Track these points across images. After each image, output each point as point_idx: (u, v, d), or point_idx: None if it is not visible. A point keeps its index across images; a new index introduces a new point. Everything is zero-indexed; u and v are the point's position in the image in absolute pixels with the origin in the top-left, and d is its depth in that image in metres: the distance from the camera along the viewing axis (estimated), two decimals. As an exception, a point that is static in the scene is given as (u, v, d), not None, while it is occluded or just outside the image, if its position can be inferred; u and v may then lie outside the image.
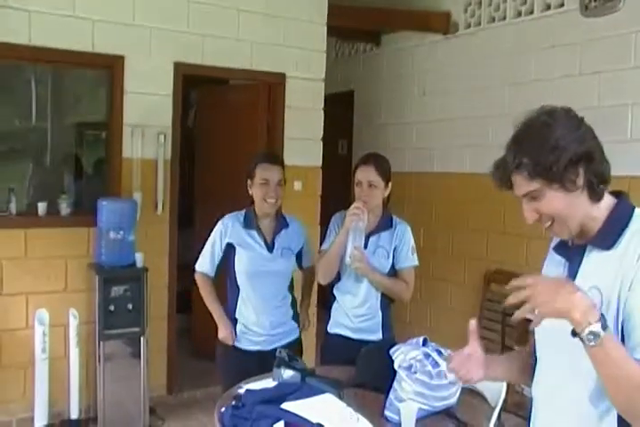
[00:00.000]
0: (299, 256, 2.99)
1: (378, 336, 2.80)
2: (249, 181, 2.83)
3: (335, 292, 2.86)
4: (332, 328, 2.86)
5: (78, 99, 4.37)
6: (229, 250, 2.86)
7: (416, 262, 2.83)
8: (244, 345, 2.85)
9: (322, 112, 4.80)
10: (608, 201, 1.41)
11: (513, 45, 4.63)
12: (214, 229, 2.91)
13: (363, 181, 2.71)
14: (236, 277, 2.84)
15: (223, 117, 5.02)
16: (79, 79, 4.35)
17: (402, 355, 2.19)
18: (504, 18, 4.71)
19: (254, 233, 2.84)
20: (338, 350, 2.54)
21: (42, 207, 3.88)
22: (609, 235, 1.37)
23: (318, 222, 4.76)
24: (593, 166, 1.34)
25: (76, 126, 4.44)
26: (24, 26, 3.73)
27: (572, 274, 1.43)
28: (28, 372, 3.72)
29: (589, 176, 1.35)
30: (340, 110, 5.90)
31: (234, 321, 2.88)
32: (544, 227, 1.43)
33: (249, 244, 2.83)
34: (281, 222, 2.91)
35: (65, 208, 3.94)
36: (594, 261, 1.39)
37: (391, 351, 2.23)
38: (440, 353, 2.18)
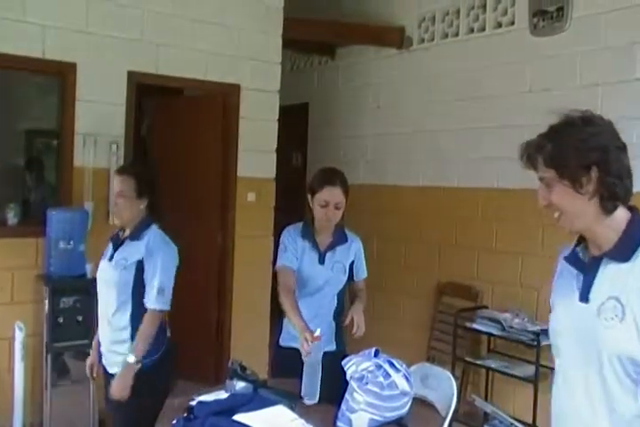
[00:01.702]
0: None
1: (332, 347, 2.82)
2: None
3: None
4: (285, 341, 2.86)
5: (28, 105, 4.29)
6: None
7: (366, 274, 2.98)
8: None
9: (276, 124, 4.83)
10: (623, 214, 1.44)
11: (465, 61, 4.75)
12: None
13: (330, 202, 2.72)
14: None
15: (177, 127, 4.99)
16: (29, 85, 4.27)
17: (354, 366, 2.21)
18: (457, 34, 4.83)
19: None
20: (291, 363, 2.53)
21: None
22: (626, 248, 1.41)
23: (272, 234, 4.78)
24: (607, 179, 1.38)
25: (25, 133, 4.37)
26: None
27: (588, 285, 1.46)
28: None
29: (601, 187, 1.39)
30: (294, 122, 5.93)
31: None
32: (554, 217, 1.47)
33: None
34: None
35: (12, 218, 3.86)
36: (610, 273, 1.43)
37: (343, 362, 2.25)
38: (392, 364, 2.21)
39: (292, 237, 2.85)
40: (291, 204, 5.70)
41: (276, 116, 4.83)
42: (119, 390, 2.52)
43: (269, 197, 4.83)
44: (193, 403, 2.19)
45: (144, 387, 2.57)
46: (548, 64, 4.19)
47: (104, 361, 2.75)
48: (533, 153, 1.45)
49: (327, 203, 2.72)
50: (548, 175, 1.43)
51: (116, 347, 2.65)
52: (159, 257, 2.66)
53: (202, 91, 4.90)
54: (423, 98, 5.07)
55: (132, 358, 2.55)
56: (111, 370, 2.67)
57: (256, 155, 4.74)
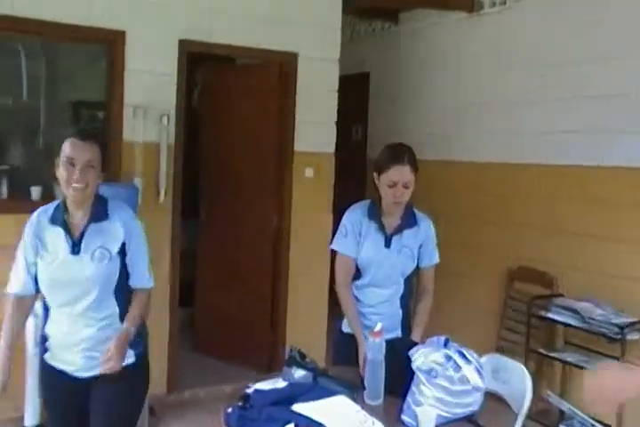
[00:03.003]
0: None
1: (397, 334, 2.81)
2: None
3: (354, 290, 2.83)
4: (347, 327, 2.84)
5: (75, 75, 4.31)
6: None
7: (437, 260, 2.89)
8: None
9: (336, 94, 4.77)
10: None
11: (543, 23, 4.55)
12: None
13: (398, 182, 2.66)
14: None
15: (230, 99, 4.98)
16: (75, 54, 4.30)
17: (422, 357, 2.16)
18: (534, -6, 4.64)
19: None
20: (353, 350, 2.54)
21: (35, 191, 3.85)
22: None
23: (330, 212, 4.76)
24: None
25: (71, 105, 4.39)
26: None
27: None
28: (20, 368, 3.67)
29: None
30: (354, 93, 5.87)
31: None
32: None
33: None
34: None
35: (60, 193, 3.90)
36: None
37: (410, 352, 2.20)
38: (463, 355, 2.15)
39: (356, 217, 2.81)
40: (350, 180, 5.68)
41: (336, 87, 4.77)
42: (117, 359, 2.24)
43: (329, 172, 4.80)
44: (249, 391, 2.18)
45: (138, 382, 2.49)
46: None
47: (70, 367, 2.39)
48: None
49: (395, 183, 2.66)
50: None
51: (103, 346, 2.31)
52: (140, 232, 2.44)
53: (257, 59, 4.88)
54: (494, 66, 4.91)
55: (127, 325, 2.34)
56: (86, 374, 2.38)
57: (315, 127, 4.70)
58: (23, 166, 4.16)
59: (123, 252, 2.37)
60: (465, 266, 5.02)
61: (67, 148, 2.28)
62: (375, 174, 2.75)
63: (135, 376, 2.44)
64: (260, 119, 4.79)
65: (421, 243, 2.82)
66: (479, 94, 5.06)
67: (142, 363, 2.47)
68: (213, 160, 5.14)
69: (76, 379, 2.38)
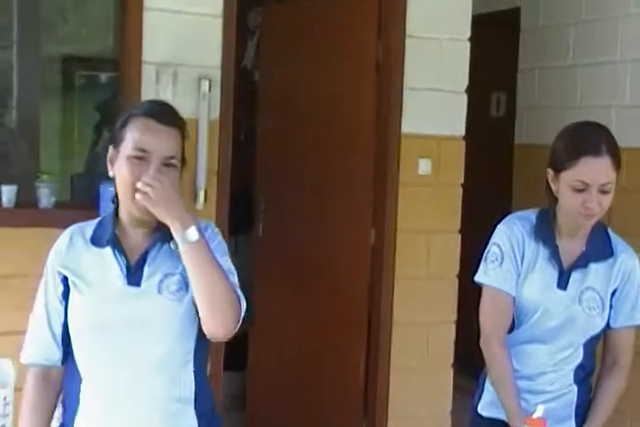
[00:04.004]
0: None
1: (569, 425, 2.79)
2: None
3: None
4: (487, 410, 2.88)
5: (64, 17, 4.35)
6: None
7: None
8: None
9: (467, 45, 4.76)
10: None
11: None
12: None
13: (592, 185, 2.59)
14: None
15: (303, 54, 5.03)
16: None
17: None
18: None
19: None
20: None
21: (8, 193, 3.89)
22: None
23: (458, 229, 4.79)
24: None
25: (61, 61, 4.42)
26: None
27: None
28: None
29: None
30: (496, 42, 6.07)
31: None
32: None
33: None
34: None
35: (47, 196, 3.97)
36: None
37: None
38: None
39: (517, 235, 2.79)
40: (489, 179, 5.52)
41: (467, 33, 4.76)
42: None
43: (456, 166, 4.78)
44: None
45: None
46: None
47: None
48: None
49: (587, 185, 2.59)
50: None
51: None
52: (223, 250, 2.42)
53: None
54: None
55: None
56: None
57: (433, 97, 4.69)
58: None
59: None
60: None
61: (136, 133, 2.23)
62: (550, 172, 2.71)
63: None
64: (350, 84, 4.81)
65: (617, 287, 2.78)
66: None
67: None
68: (277, 149, 5.25)
69: None
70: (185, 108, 3.97)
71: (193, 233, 2.08)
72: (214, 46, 4.20)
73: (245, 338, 5.22)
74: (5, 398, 3.56)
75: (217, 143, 4.23)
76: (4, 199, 3.89)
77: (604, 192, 2.60)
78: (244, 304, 2.28)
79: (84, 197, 3.86)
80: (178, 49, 4.09)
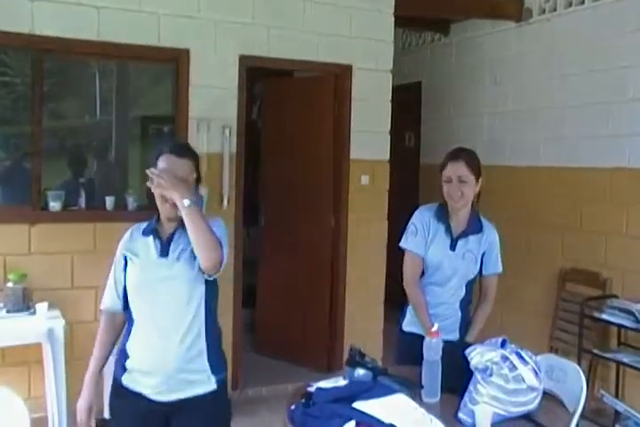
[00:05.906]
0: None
1: (455, 336, 2.79)
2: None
3: None
4: (407, 326, 2.86)
5: (142, 93, 4.42)
6: None
7: (500, 269, 2.86)
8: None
9: (389, 104, 4.75)
10: None
11: (593, 31, 4.46)
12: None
13: (452, 177, 2.68)
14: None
15: (288, 110, 5.02)
16: (143, 73, 4.41)
17: (478, 356, 2.14)
18: (582, 2, 4.55)
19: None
20: (412, 348, 2.47)
21: (110, 201, 3.97)
22: None
23: (386, 218, 4.75)
24: None
25: (140, 120, 4.50)
26: (93, 21, 3.83)
27: None
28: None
29: None
30: (407, 102, 5.87)
31: None
32: None
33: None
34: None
35: (132, 202, 4.02)
36: None
37: (467, 351, 2.18)
38: (520, 356, 2.12)
39: (425, 217, 2.80)
40: (404, 186, 5.64)
41: (389, 97, 4.75)
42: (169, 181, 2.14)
43: (383, 179, 4.76)
44: (311, 389, 2.19)
45: (221, 412, 2.37)
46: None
47: (148, 390, 2.21)
48: None
49: (449, 178, 2.68)
50: None
51: (189, 367, 2.21)
52: (224, 234, 2.28)
53: (313, 72, 4.90)
54: (544, 73, 4.84)
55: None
56: (167, 397, 2.21)
57: (369, 136, 4.69)
58: (98, 179, 4.28)
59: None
60: (518, 268, 4.89)
61: (161, 163, 2.23)
62: (440, 175, 2.76)
63: (218, 406, 2.32)
64: (318, 128, 4.80)
65: (485, 250, 2.80)
66: (526, 100, 5.00)
67: (224, 391, 2.34)
68: (273, 169, 5.16)
69: (154, 403, 2.20)
70: (214, 147, 4.15)
71: (187, 202, 2.09)
72: (232, 107, 4.24)
73: (254, 287, 5.20)
74: None
75: (235, 168, 4.25)
76: (108, 204, 3.97)
77: (462, 182, 2.66)
78: (226, 249, 2.18)
79: (154, 203, 3.93)
80: (210, 109, 4.13)
